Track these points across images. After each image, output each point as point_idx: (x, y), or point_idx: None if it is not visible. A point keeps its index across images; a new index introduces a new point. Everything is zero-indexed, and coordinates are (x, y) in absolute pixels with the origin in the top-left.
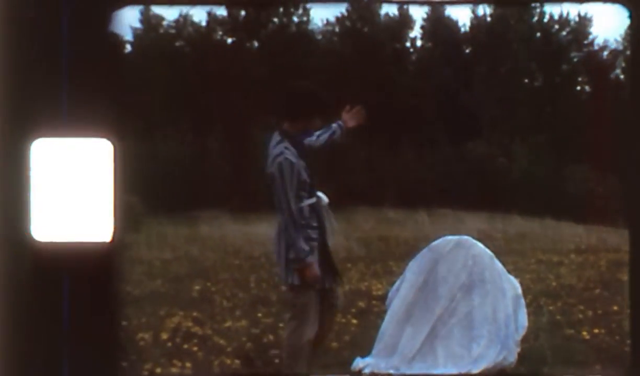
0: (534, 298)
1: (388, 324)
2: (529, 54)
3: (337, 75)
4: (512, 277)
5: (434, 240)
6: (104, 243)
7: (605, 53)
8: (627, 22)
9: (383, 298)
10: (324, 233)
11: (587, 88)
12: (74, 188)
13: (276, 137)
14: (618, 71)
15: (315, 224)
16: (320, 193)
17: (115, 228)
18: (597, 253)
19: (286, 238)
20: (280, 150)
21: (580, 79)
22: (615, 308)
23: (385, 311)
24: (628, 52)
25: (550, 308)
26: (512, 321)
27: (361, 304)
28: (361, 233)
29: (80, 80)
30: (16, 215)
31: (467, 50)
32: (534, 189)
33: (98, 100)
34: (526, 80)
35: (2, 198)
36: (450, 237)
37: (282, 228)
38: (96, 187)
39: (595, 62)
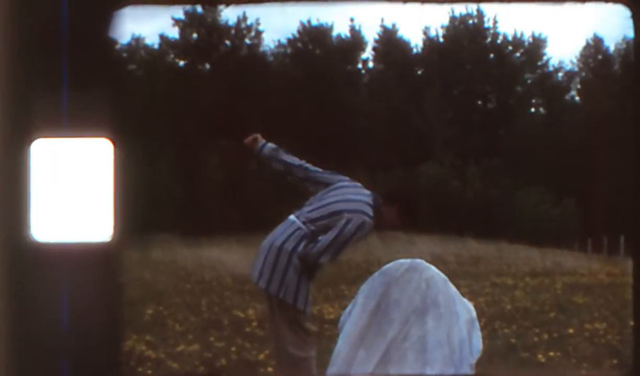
0: (488, 321)
1: (341, 348)
2: (482, 75)
3: (288, 97)
4: (466, 301)
5: (386, 263)
6: (104, 243)
7: (560, 74)
8: (583, 43)
9: (335, 322)
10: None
11: (541, 110)
12: (74, 188)
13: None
14: (573, 93)
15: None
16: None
17: (115, 228)
18: (552, 277)
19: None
20: (369, 207)
21: (534, 101)
22: (571, 331)
23: (337, 335)
24: (584, 74)
25: (505, 331)
26: (467, 345)
27: (313, 328)
28: None
29: (81, 79)
30: (16, 215)
31: (420, 72)
32: (488, 212)
33: (98, 100)
34: (479, 102)
35: (1, 198)
36: (402, 260)
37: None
38: (96, 187)
39: (550, 84)
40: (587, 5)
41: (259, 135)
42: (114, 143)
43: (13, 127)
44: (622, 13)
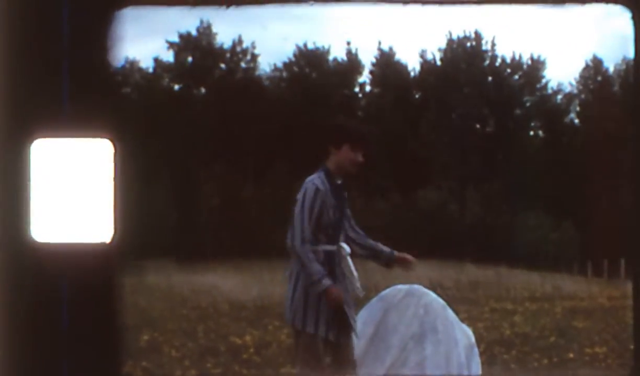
0: (487, 347)
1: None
2: (480, 98)
3: (283, 122)
4: (465, 326)
5: (384, 289)
6: (103, 244)
7: (559, 97)
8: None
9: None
10: (340, 284)
11: (540, 133)
12: (74, 189)
13: (317, 172)
14: (572, 115)
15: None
16: (343, 244)
17: (115, 229)
18: (552, 301)
19: (297, 270)
20: (312, 177)
21: (533, 124)
22: (571, 355)
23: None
24: (583, 96)
25: (505, 357)
26: (466, 371)
27: None
28: None
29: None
30: (16, 215)
31: (417, 96)
32: (486, 236)
33: (98, 100)
34: (478, 125)
35: (1, 198)
36: (400, 286)
37: (293, 263)
38: (96, 187)
39: (549, 106)
40: (587, 24)
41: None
42: (114, 143)
43: (13, 127)
44: (622, 32)
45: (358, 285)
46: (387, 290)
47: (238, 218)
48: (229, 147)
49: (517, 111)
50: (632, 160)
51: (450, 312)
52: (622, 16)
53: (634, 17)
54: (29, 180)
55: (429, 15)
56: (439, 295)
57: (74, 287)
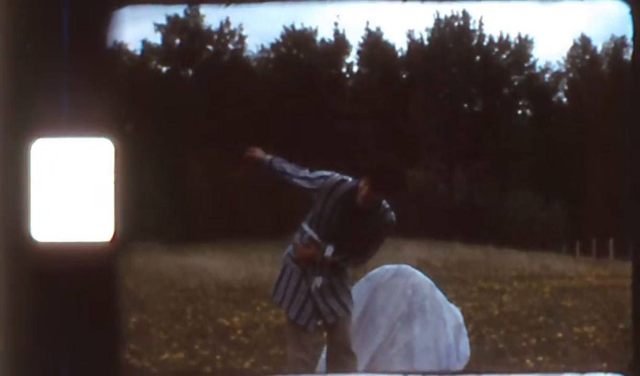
0: (476, 326)
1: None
2: (468, 78)
3: (271, 102)
4: (453, 306)
5: (372, 269)
6: (104, 243)
7: (548, 76)
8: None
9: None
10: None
11: (528, 112)
12: (74, 189)
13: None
14: (561, 94)
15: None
16: (328, 246)
17: (115, 228)
18: (541, 280)
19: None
20: (343, 176)
21: (521, 103)
22: (559, 335)
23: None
24: (571, 75)
25: (493, 336)
26: (454, 351)
27: None
28: None
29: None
30: (16, 215)
31: (405, 75)
32: (475, 216)
33: (98, 100)
34: (465, 105)
35: (1, 198)
36: (388, 266)
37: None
38: (96, 187)
39: (537, 85)
40: (575, 2)
41: (258, 151)
42: (114, 143)
43: (13, 127)
44: (611, 12)
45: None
46: (375, 270)
47: (227, 200)
48: (217, 128)
49: (505, 90)
50: (626, 138)
51: (438, 292)
52: None
53: (632, 12)
54: (29, 180)
55: None
56: (427, 275)
57: (74, 287)
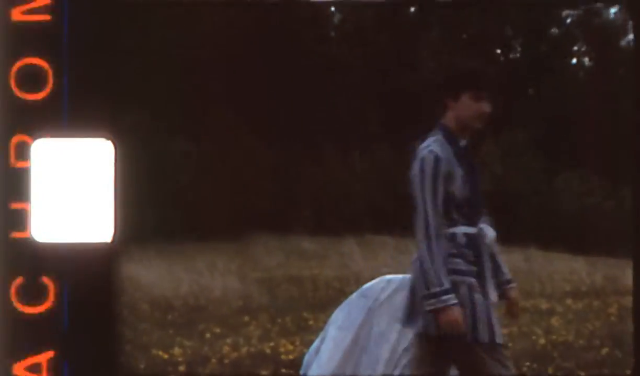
0: (515, 360)
1: None
2: (501, 13)
3: (242, 50)
4: None
5: (368, 281)
6: (104, 243)
7: (613, 11)
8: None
9: (296, 365)
10: (483, 279)
11: (586, 61)
12: (74, 189)
13: (432, 135)
14: (631, 36)
15: (470, 262)
16: (484, 225)
17: (115, 228)
18: (605, 298)
19: (420, 266)
20: (427, 143)
21: (576, 48)
22: (629, 373)
23: None
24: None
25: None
26: None
27: (265, 373)
28: (263, 273)
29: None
30: (15, 215)
31: (412, 10)
32: (511, 206)
33: (98, 100)
34: (498, 51)
35: (1, 198)
36: (390, 277)
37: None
38: (96, 187)
39: (598, 24)
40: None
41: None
42: (114, 143)
43: (13, 127)
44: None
45: (494, 285)
46: (372, 282)
47: (169, 193)
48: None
49: (554, 30)
50: None
51: None
52: None
53: (632, 18)
54: (29, 179)
55: None
56: None
57: (74, 287)
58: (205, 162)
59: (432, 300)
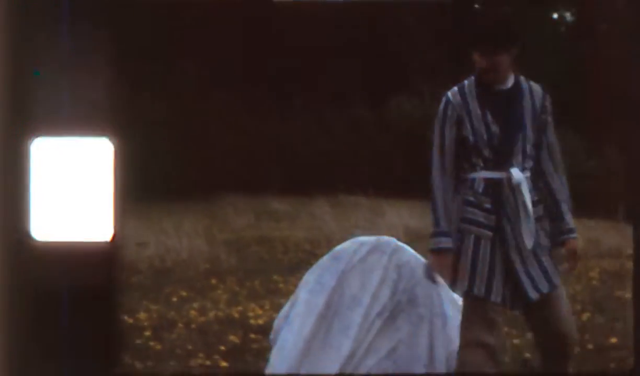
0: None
1: (275, 367)
2: None
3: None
4: (457, 296)
5: (340, 242)
6: (104, 243)
7: None
8: None
9: (266, 330)
10: (502, 228)
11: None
12: (74, 188)
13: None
14: None
15: (486, 210)
16: (514, 170)
17: (115, 228)
18: (586, 261)
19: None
20: (455, 86)
21: None
22: (613, 340)
23: (269, 349)
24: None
25: (515, 341)
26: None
27: (234, 339)
28: (230, 234)
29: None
30: (16, 214)
31: None
32: None
33: (98, 100)
34: None
35: (1, 198)
36: (363, 238)
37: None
38: (96, 187)
39: None
40: None
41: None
42: (114, 143)
43: (13, 127)
44: None
45: (527, 233)
46: (344, 244)
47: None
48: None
49: None
50: None
51: (436, 276)
52: None
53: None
54: (29, 179)
55: None
56: (419, 250)
57: (74, 286)
58: (171, 121)
59: (430, 240)
